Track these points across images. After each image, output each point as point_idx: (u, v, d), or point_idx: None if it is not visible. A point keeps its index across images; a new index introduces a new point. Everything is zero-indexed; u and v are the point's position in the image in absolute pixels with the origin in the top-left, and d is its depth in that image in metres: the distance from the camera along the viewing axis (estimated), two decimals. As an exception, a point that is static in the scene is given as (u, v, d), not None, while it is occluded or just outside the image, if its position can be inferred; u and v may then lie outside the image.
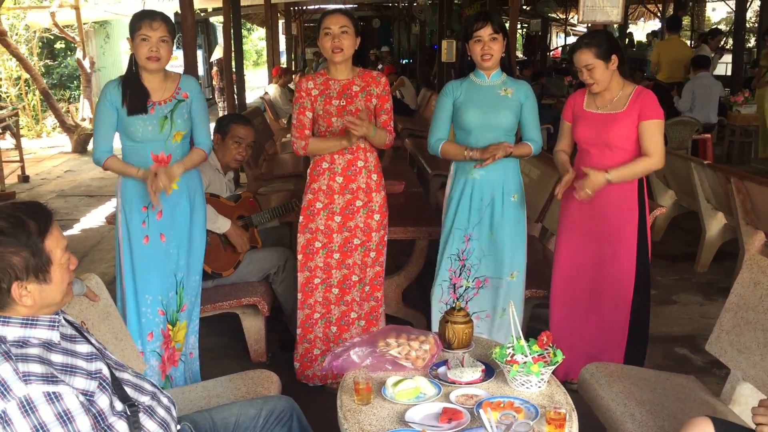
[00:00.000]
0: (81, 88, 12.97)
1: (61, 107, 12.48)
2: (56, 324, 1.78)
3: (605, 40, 3.18)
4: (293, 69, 15.43)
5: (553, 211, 4.24)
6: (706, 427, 1.92)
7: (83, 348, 1.81)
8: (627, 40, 16.07)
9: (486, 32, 3.25)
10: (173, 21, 3.16)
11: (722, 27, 26.53)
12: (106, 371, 1.79)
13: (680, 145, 7.95)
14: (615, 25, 4.81)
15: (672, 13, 16.18)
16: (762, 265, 2.60)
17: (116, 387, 1.81)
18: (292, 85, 11.39)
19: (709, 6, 26.34)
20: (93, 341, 1.89)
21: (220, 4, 11.02)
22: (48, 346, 1.73)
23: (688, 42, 20.16)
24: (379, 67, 14.67)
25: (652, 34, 16.81)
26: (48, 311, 1.77)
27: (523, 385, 2.24)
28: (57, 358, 1.72)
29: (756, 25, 14.98)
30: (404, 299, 4.22)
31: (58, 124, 12.46)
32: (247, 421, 2.20)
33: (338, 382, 3.33)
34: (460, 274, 3.40)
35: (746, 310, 2.57)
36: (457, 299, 2.59)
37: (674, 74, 9.12)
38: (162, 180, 2.98)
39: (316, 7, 20.17)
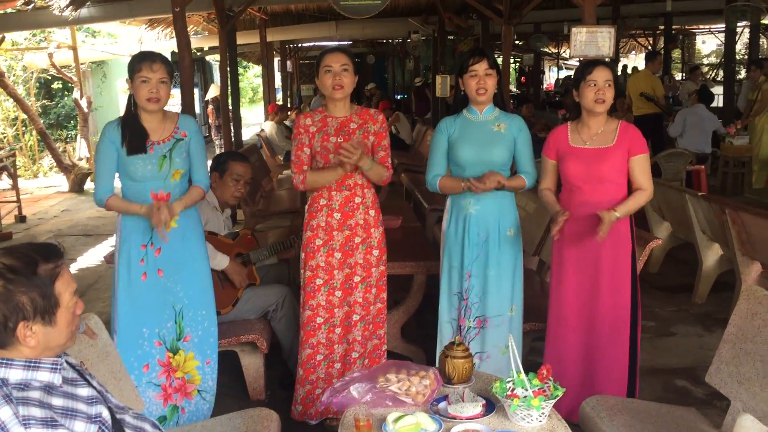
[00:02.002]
0: (78, 127, 13.05)
1: (58, 147, 12.55)
2: (58, 367, 1.77)
3: (616, 73, 3.26)
4: (289, 106, 15.55)
5: (550, 244, 4.25)
6: None
7: (84, 391, 1.81)
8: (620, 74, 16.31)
9: (482, 67, 3.30)
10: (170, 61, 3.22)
11: (713, 59, 26.94)
12: (106, 414, 1.79)
13: (675, 177, 8.00)
14: (606, 59, 4.88)
15: (663, 46, 16.44)
16: (759, 296, 2.61)
17: (117, 430, 1.80)
18: (288, 122, 11.48)
19: (699, 39, 26.77)
20: (94, 384, 1.88)
21: (216, 43, 11.18)
22: (49, 389, 1.73)
23: (679, 75, 20.45)
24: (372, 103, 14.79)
25: (634, 70, 17.05)
26: (50, 354, 1.77)
27: (524, 419, 2.23)
28: (58, 401, 1.71)
29: (746, 56, 15.22)
30: (403, 334, 4.21)
31: (54, 163, 12.50)
32: (247, 460, 2.18)
33: (337, 418, 3.32)
34: (465, 315, 3.41)
35: (745, 342, 2.57)
36: (460, 337, 2.59)
37: (645, 106, 9.25)
38: (163, 214, 3.03)
39: (311, 44, 20.43)
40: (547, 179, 3.43)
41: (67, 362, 1.85)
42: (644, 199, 3.23)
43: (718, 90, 14.08)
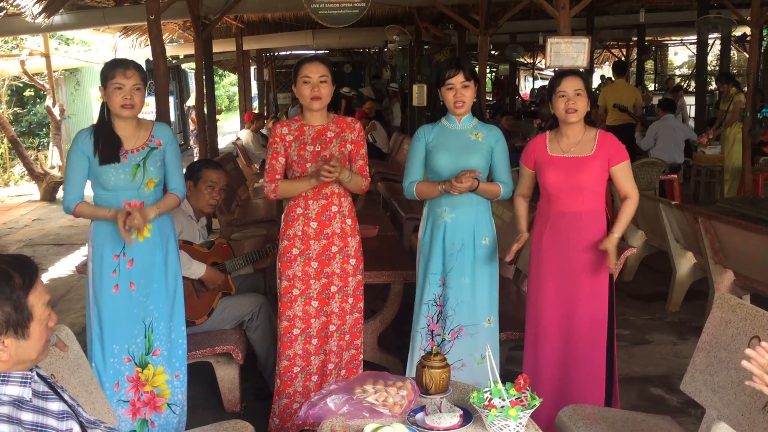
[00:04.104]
0: (50, 135, 12.88)
1: (30, 155, 12.36)
2: (29, 380, 1.72)
3: (588, 82, 3.29)
4: (265, 114, 15.48)
5: (527, 253, 4.26)
6: None
7: (55, 406, 1.76)
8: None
9: (458, 80, 3.31)
10: (145, 68, 3.18)
11: (685, 70, 27.35)
12: (77, 430, 1.74)
13: (648, 186, 8.10)
14: (581, 70, 4.92)
15: (636, 57, 16.66)
16: (732, 304, 2.63)
17: (88, 445, 1.76)
18: (264, 131, 11.43)
19: (671, 50, 27.19)
20: (66, 398, 1.84)
21: (191, 51, 11.10)
22: (18, 403, 1.68)
23: (652, 85, 20.74)
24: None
25: (602, 79, 17.22)
26: (22, 367, 1.72)
27: (501, 430, 2.22)
28: (27, 416, 1.67)
29: (717, 68, 15.47)
30: (379, 344, 4.19)
31: (26, 172, 12.32)
32: (222, 473, 2.15)
33: (314, 430, 3.29)
34: (438, 321, 3.39)
35: (719, 350, 2.59)
36: (436, 347, 2.58)
37: (621, 117, 9.30)
38: (136, 219, 2.97)
39: (288, 53, 20.39)
40: (522, 186, 3.47)
41: (38, 374, 1.81)
42: (633, 208, 3.27)
43: (690, 100, 14.31)
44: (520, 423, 2.22)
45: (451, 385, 2.59)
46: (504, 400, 2.24)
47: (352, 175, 3.27)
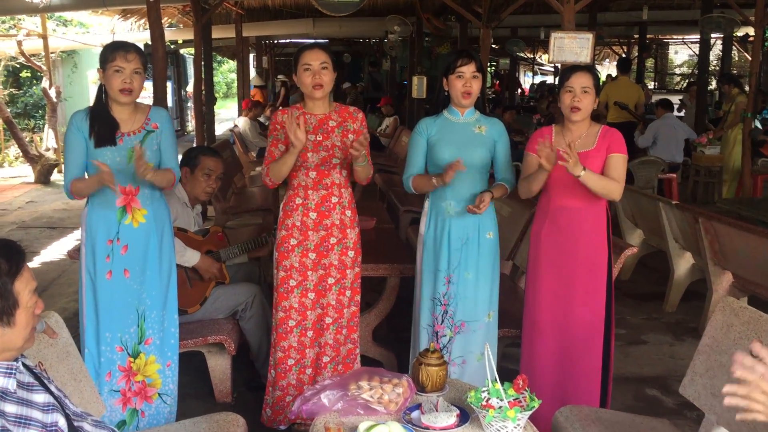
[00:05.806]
0: (46, 117, 12.77)
1: (25, 137, 12.25)
2: (13, 371, 1.67)
3: (598, 78, 3.23)
4: (263, 102, 15.38)
5: (524, 249, 4.21)
6: None
7: (40, 397, 1.71)
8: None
9: (470, 70, 3.25)
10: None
11: (684, 69, 27.34)
12: (63, 423, 1.69)
13: (647, 185, 8.06)
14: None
15: (636, 54, 16.62)
16: (735, 307, 2.59)
17: (74, 438, 1.71)
18: (262, 118, 11.34)
19: (671, 49, 27.17)
20: (52, 389, 1.79)
21: (190, 36, 11.01)
22: (2, 395, 1.63)
23: (652, 83, 20.70)
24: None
25: (608, 78, 17.16)
26: (7, 356, 1.67)
27: (499, 431, 2.18)
28: (11, 408, 1.62)
29: (718, 68, 15.43)
30: (374, 338, 4.14)
31: (21, 153, 12.22)
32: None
33: (306, 423, 3.25)
34: (443, 321, 3.34)
35: (720, 354, 2.55)
36: (441, 349, 2.54)
37: (621, 114, 9.22)
38: (142, 167, 2.85)
39: (287, 41, 20.28)
40: (527, 171, 3.34)
41: (24, 365, 1.75)
42: (612, 187, 3.11)
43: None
44: (518, 425, 2.18)
45: (448, 383, 2.55)
46: (502, 400, 2.19)
47: (367, 162, 3.23)
